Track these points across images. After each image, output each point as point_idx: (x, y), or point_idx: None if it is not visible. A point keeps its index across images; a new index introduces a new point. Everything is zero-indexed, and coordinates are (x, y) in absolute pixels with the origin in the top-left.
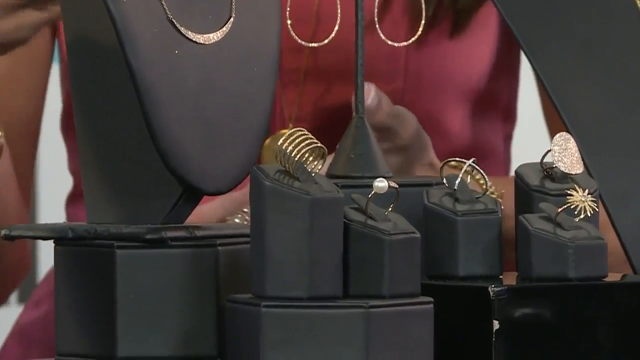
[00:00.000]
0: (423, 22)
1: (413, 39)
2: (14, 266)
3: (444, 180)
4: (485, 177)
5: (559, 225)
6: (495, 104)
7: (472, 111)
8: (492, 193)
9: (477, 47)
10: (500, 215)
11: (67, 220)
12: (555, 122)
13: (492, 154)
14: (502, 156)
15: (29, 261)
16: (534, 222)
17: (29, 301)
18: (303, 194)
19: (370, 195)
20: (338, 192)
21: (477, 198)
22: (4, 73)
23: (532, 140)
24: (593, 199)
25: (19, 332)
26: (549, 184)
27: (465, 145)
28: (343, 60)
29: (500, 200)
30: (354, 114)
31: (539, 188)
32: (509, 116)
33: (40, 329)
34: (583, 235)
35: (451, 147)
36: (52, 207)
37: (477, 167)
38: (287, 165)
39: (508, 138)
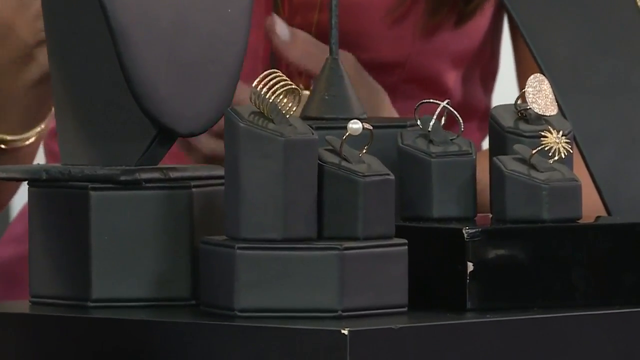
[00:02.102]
0: None
1: None
2: None
3: (418, 122)
4: (460, 119)
5: (533, 167)
6: (480, 66)
7: (464, 73)
8: None
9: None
10: (474, 157)
11: (45, 154)
12: (527, 69)
13: (478, 109)
14: (487, 109)
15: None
16: (508, 163)
17: (4, 237)
18: (277, 136)
19: (344, 137)
20: (312, 133)
21: (451, 140)
22: None
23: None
24: (567, 140)
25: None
26: (523, 126)
27: (458, 101)
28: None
29: None
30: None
31: (513, 130)
32: (491, 75)
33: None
34: (557, 177)
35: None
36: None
37: (451, 108)
38: (261, 106)
39: (489, 92)
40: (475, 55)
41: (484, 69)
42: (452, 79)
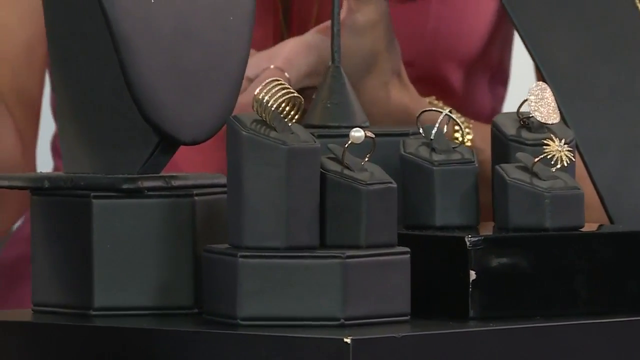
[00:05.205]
0: None
1: None
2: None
3: (421, 130)
4: (462, 127)
5: (535, 175)
6: (489, 71)
7: (470, 76)
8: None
9: (477, 18)
10: (476, 165)
11: (53, 154)
12: None
13: (482, 113)
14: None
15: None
16: (511, 172)
17: (13, 237)
18: (279, 144)
19: (346, 145)
20: (315, 141)
21: (453, 148)
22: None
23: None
24: (569, 148)
25: (8, 267)
26: (525, 134)
27: (463, 104)
28: None
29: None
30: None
31: (515, 138)
32: (501, 80)
33: None
34: (560, 185)
35: (457, 106)
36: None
37: (453, 116)
38: (263, 114)
39: (499, 99)
40: (480, 59)
41: (493, 73)
42: (458, 80)
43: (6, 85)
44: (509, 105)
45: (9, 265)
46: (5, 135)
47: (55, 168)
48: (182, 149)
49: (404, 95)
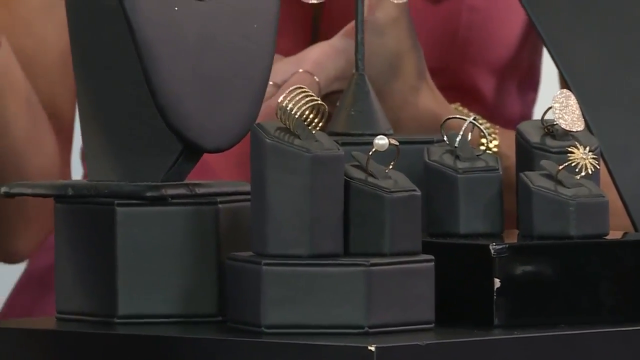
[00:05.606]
0: None
1: None
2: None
3: (445, 138)
4: (486, 134)
5: (560, 182)
6: (518, 76)
7: (499, 82)
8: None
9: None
10: (500, 172)
11: (83, 164)
12: None
13: (512, 119)
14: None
15: None
16: (535, 179)
17: (46, 245)
18: (303, 152)
19: (370, 153)
20: (338, 149)
21: (477, 155)
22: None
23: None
24: (594, 156)
25: (36, 277)
26: (549, 142)
27: (493, 110)
28: None
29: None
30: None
31: (540, 145)
32: (531, 86)
33: None
34: (584, 192)
35: (487, 113)
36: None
37: (477, 124)
38: (287, 122)
39: (529, 105)
40: (510, 65)
41: (522, 79)
42: (488, 87)
43: (45, 95)
44: (534, 112)
45: (36, 276)
46: (47, 142)
47: (85, 175)
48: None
49: (431, 100)
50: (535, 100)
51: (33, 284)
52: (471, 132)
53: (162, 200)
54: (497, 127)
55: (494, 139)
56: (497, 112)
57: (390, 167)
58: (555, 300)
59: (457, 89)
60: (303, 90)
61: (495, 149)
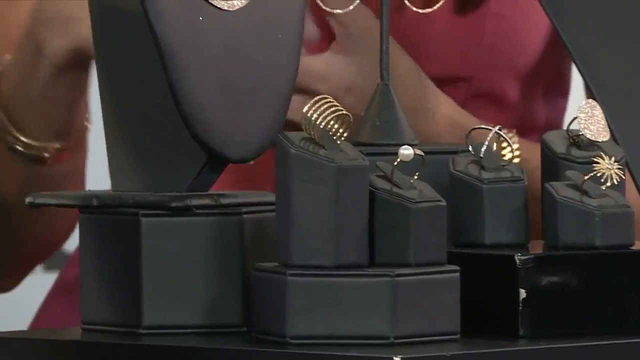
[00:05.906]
0: None
1: (439, 4)
2: (40, 241)
3: (470, 148)
4: (511, 144)
5: (585, 193)
6: (543, 83)
7: (525, 88)
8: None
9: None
10: (526, 183)
11: None
12: None
13: (537, 125)
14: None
15: (58, 240)
16: (561, 190)
17: (72, 257)
18: (328, 162)
19: (395, 163)
20: (363, 159)
21: (503, 166)
22: None
23: None
24: (619, 166)
25: (65, 289)
26: (575, 152)
27: (518, 117)
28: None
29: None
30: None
31: (565, 156)
32: (559, 92)
33: None
34: (610, 203)
35: (513, 121)
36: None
37: (502, 134)
38: (312, 132)
39: (559, 111)
40: (537, 72)
41: (549, 85)
42: (515, 95)
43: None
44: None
45: (65, 287)
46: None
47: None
48: None
49: (449, 106)
50: (566, 107)
51: (62, 295)
52: (496, 142)
53: (187, 211)
54: (516, 137)
55: (517, 149)
56: (523, 118)
57: (416, 177)
58: (580, 310)
59: (485, 97)
60: (328, 100)
61: (517, 160)
